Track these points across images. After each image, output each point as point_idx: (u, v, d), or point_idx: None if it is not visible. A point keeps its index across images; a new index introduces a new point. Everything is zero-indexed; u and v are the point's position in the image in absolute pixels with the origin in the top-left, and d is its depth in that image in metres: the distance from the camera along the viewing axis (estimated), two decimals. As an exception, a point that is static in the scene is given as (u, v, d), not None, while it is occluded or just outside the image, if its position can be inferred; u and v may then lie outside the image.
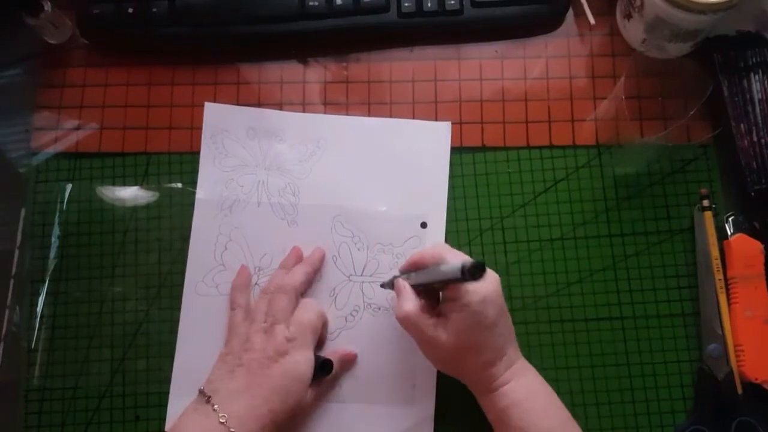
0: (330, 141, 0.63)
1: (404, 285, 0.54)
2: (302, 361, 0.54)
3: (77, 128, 0.64)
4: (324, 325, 0.58)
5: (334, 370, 0.57)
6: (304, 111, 0.64)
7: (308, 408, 0.57)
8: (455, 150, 0.63)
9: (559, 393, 0.53)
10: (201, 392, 0.53)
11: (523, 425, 0.50)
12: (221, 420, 0.50)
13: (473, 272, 0.46)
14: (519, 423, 0.50)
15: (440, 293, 0.53)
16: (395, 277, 0.56)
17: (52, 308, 0.61)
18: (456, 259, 0.49)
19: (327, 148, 0.63)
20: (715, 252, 0.59)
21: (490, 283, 0.51)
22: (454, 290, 0.50)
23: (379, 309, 0.59)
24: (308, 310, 0.56)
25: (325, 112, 0.64)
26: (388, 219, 0.61)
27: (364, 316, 0.59)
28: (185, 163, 0.63)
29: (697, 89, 0.57)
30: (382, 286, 0.58)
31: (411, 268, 0.55)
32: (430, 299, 0.54)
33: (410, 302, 0.52)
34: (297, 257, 0.60)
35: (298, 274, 0.58)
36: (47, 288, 0.61)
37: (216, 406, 0.51)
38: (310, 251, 0.60)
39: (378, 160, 0.63)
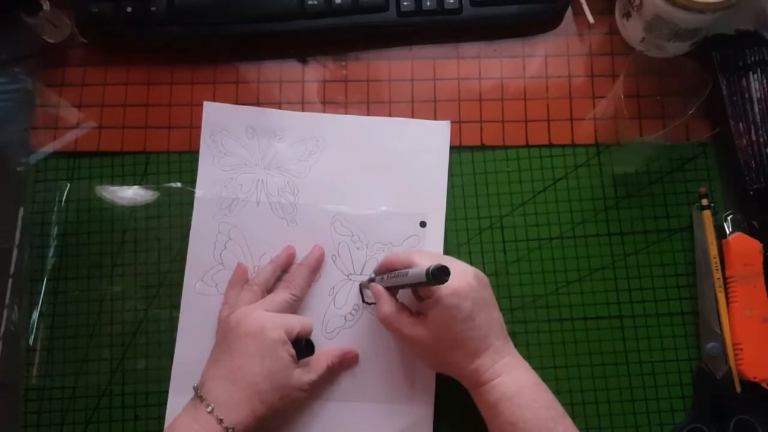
0: (329, 140, 0.63)
1: (380, 289, 0.55)
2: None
3: (76, 127, 0.64)
4: (304, 329, 0.56)
5: (332, 365, 0.57)
6: (303, 110, 0.64)
7: (305, 401, 0.57)
8: (454, 149, 0.63)
9: (558, 392, 0.53)
10: (194, 388, 0.53)
11: (513, 420, 0.50)
12: (208, 410, 0.50)
13: (437, 276, 0.48)
14: (509, 418, 0.50)
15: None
16: (370, 279, 0.57)
17: (51, 307, 0.60)
18: (424, 261, 0.51)
19: (326, 148, 0.63)
20: (713, 251, 0.59)
21: (461, 276, 0.52)
22: (426, 289, 0.52)
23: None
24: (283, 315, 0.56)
25: (324, 111, 0.64)
26: (387, 218, 0.61)
27: (364, 315, 0.59)
28: (184, 163, 0.63)
29: (696, 88, 0.57)
30: (360, 287, 0.59)
31: (384, 270, 0.56)
32: (411, 299, 0.55)
33: (387, 305, 0.54)
34: (289, 255, 0.60)
35: (267, 272, 0.59)
36: (46, 287, 0.61)
37: (204, 398, 0.51)
38: (309, 250, 0.60)
39: (377, 159, 0.63)
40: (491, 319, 0.53)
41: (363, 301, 0.59)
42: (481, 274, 0.54)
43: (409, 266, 0.53)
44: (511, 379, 0.51)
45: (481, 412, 0.53)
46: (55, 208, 0.63)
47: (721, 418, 0.56)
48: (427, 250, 0.60)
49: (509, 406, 0.50)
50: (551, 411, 0.51)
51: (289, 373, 0.53)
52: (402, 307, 0.54)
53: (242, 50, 0.66)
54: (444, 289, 0.51)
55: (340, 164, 0.63)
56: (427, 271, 0.48)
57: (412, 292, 0.56)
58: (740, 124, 0.61)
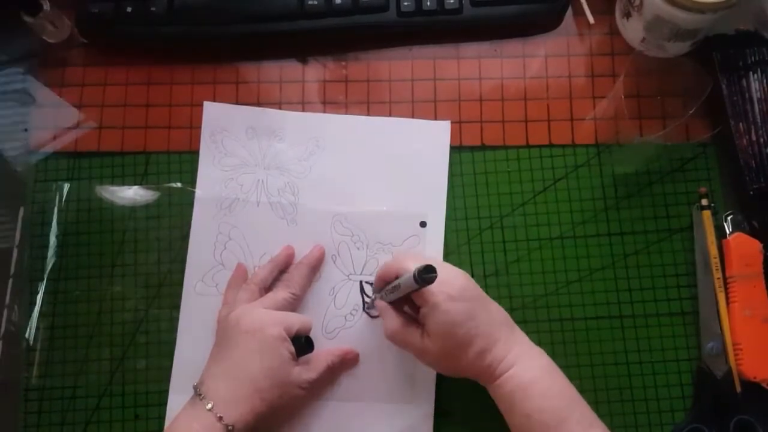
0: (329, 140, 0.63)
1: (383, 305, 0.55)
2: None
3: (76, 127, 0.64)
4: (303, 327, 0.56)
5: (333, 364, 0.56)
6: (303, 110, 0.64)
7: (306, 400, 0.57)
8: (454, 149, 0.63)
9: (558, 392, 0.53)
10: (194, 387, 0.53)
11: (528, 412, 0.50)
12: (208, 407, 0.50)
13: (424, 276, 0.47)
14: (524, 410, 0.50)
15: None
16: (373, 300, 0.57)
17: (51, 307, 0.60)
18: (413, 266, 0.49)
19: (326, 148, 0.63)
20: (714, 251, 0.59)
21: (453, 279, 0.52)
22: (419, 297, 0.51)
23: (379, 308, 0.59)
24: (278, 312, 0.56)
25: (324, 111, 0.64)
26: (387, 218, 0.61)
27: (364, 315, 0.59)
28: (184, 163, 0.63)
29: (696, 88, 0.57)
30: (366, 310, 0.59)
31: (382, 284, 0.56)
32: (414, 310, 0.55)
33: (392, 321, 0.53)
34: (287, 254, 0.60)
35: (264, 271, 0.59)
36: (46, 287, 0.61)
37: (203, 396, 0.51)
38: (309, 250, 0.60)
39: (377, 159, 0.63)
40: (491, 312, 0.53)
41: (364, 309, 0.59)
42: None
43: (400, 274, 0.52)
44: (523, 369, 0.51)
45: (499, 408, 0.52)
46: (55, 208, 0.63)
47: (721, 418, 0.56)
48: (413, 253, 0.60)
49: (523, 398, 0.50)
50: (565, 398, 0.51)
51: (288, 371, 0.53)
52: (408, 320, 0.54)
53: (242, 50, 0.66)
54: (438, 295, 0.50)
55: (340, 164, 0.63)
56: (414, 274, 0.47)
57: (410, 303, 0.55)
58: (740, 124, 0.61)
